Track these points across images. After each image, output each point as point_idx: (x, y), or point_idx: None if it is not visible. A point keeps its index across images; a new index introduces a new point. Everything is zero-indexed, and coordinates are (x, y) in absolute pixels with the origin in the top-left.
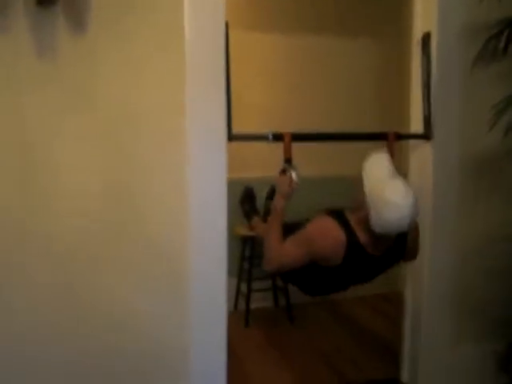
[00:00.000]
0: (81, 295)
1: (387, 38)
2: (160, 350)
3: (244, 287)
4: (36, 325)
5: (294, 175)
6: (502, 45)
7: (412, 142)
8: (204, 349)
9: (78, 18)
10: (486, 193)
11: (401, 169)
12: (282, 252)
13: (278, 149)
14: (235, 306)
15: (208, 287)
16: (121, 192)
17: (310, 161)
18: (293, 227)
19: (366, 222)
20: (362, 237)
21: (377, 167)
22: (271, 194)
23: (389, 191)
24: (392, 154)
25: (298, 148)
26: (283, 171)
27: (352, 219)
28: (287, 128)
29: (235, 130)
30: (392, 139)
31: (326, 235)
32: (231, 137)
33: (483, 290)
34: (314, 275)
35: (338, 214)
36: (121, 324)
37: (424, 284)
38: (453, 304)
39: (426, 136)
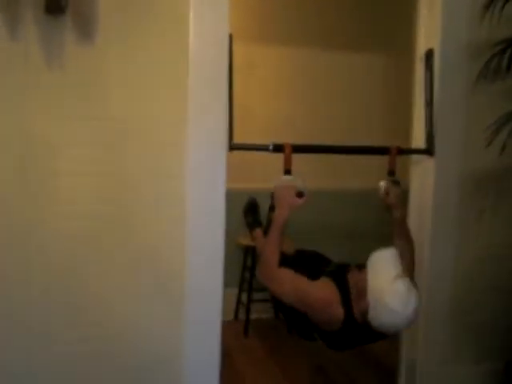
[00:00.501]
0: (72, 299)
1: (394, 52)
2: (152, 359)
3: (245, 297)
4: (22, 326)
5: (299, 185)
6: (504, 63)
7: (414, 157)
8: (197, 358)
9: (85, 28)
10: (488, 211)
11: (404, 183)
12: (274, 275)
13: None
14: (236, 315)
15: (203, 296)
16: (120, 199)
17: (316, 173)
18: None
19: (365, 309)
20: (359, 315)
21: (383, 265)
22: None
23: (390, 297)
24: (393, 168)
25: (304, 160)
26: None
27: (354, 290)
28: (291, 139)
29: (238, 140)
30: (394, 153)
31: (324, 311)
32: (232, 146)
33: (483, 308)
34: (304, 324)
35: (341, 282)
36: (112, 331)
37: (423, 300)
38: (452, 322)
39: (428, 151)
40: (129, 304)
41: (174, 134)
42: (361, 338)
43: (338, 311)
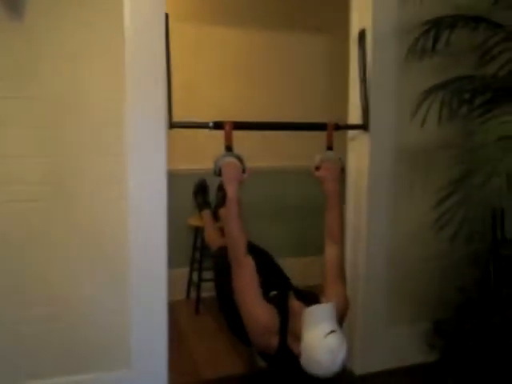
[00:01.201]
0: (19, 281)
1: (334, 31)
2: (100, 338)
3: (196, 276)
4: None
5: (237, 161)
6: (430, 43)
7: (351, 132)
8: (145, 336)
9: (13, 5)
10: (420, 181)
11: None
12: (240, 260)
13: (237, 141)
14: (187, 294)
15: (148, 273)
16: (60, 179)
17: (262, 152)
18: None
19: (298, 354)
20: (294, 348)
21: (318, 320)
22: (222, 186)
23: (321, 353)
24: (331, 144)
25: (256, 139)
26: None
27: (291, 321)
28: (237, 119)
29: (185, 119)
30: (331, 129)
31: (260, 336)
32: (172, 125)
33: (415, 274)
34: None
35: (283, 311)
36: (55, 311)
37: (360, 268)
38: (388, 287)
39: (364, 127)
40: (72, 284)
41: (112, 113)
42: (298, 365)
43: (273, 340)
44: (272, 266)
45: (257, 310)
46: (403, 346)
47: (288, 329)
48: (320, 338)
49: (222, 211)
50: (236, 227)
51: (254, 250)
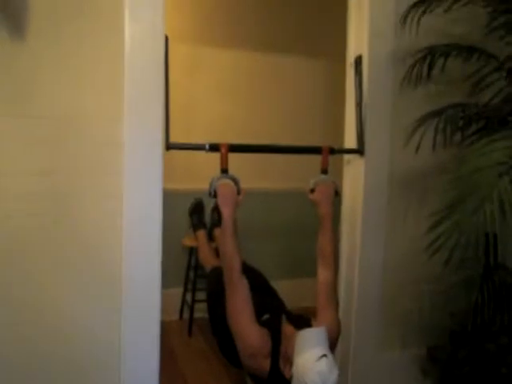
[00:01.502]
0: (12, 295)
1: (332, 56)
2: (90, 356)
3: (190, 297)
4: None
5: (236, 182)
6: (425, 70)
7: (346, 156)
8: (136, 355)
9: (15, 24)
10: (414, 206)
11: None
12: (234, 281)
13: (233, 161)
14: (180, 315)
15: (142, 292)
16: (57, 195)
17: (257, 174)
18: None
19: (289, 377)
20: (286, 371)
21: (310, 344)
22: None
23: (311, 376)
24: (326, 167)
25: (250, 160)
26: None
27: (284, 345)
28: (232, 140)
29: (182, 140)
30: (326, 153)
31: (252, 358)
32: (169, 146)
33: (408, 299)
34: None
35: (275, 335)
36: (51, 325)
37: (354, 293)
38: (381, 312)
39: (359, 151)
40: (63, 303)
41: (110, 133)
42: None
43: (265, 363)
44: (266, 287)
45: (249, 332)
46: (396, 372)
47: (280, 352)
48: (311, 362)
49: (217, 232)
50: (231, 248)
51: (248, 270)
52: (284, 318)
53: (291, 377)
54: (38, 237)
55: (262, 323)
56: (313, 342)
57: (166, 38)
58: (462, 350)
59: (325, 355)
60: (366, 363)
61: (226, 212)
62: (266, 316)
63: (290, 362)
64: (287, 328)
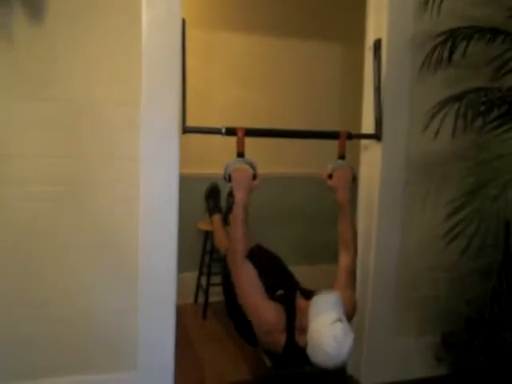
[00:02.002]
0: (28, 280)
1: (350, 40)
2: (109, 338)
3: (204, 281)
4: None
5: (252, 167)
6: (446, 53)
7: (364, 142)
8: (153, 337)
9: (35, 9)
10: (432, 192)
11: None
12: (238, 264)
13: (249, 146)
14: (195, 299)
15: (158, 275)
16: (75, 180)
17: (275, 159)
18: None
19: (304, 345)
20: (301, 341)
21: (324, 308)
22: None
23: (327, 341)
24: (343, 153)
25: (265, 145)
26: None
27: (299, 318)
28: (248, 125)
29: (197, 124)
30: (343, 138)
31: (267, 334)
32: (185, 130)
33: (424, 285)
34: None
35: (290, 309)
36: (68, 310)
37: (369, 277)
38: (397, 296)
39: (376, 136)
40: (81, 284)
41: (127, 118)
42: (305, 360)
43: (281, 338)
44: (281, 268)
45: (263, 309)
46: (410, 358)
47: (295, 326)
48: (326, 326)
49: (231, 216)
50: (239, 232)
51: (263, 253)
52: (298, 293)
53: (306, 344)
54: (53, 220)
55: (276, 298)
56: (327, 305)
57: (183, 22)
58: (478, 337)
59: (339, 320)
60: (380, 348)
61: (238, 196)
62: (280, 292)
63: (305, 332)
64: (301, 302)
